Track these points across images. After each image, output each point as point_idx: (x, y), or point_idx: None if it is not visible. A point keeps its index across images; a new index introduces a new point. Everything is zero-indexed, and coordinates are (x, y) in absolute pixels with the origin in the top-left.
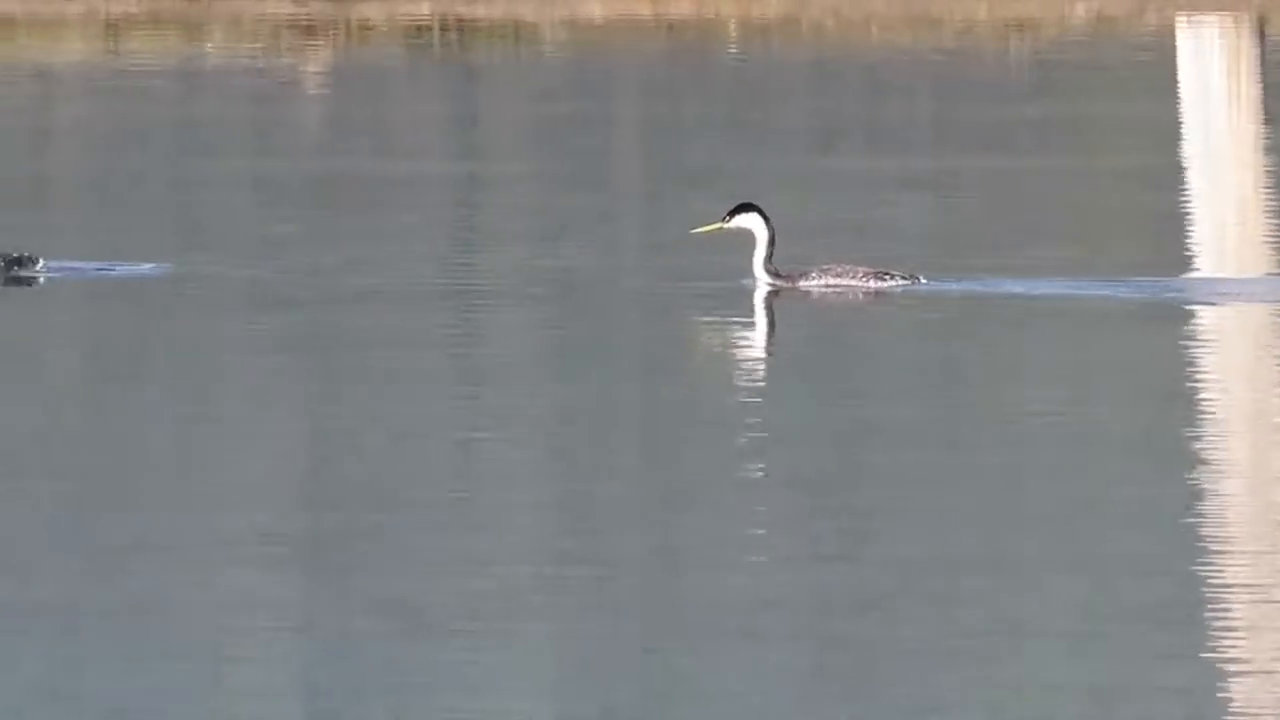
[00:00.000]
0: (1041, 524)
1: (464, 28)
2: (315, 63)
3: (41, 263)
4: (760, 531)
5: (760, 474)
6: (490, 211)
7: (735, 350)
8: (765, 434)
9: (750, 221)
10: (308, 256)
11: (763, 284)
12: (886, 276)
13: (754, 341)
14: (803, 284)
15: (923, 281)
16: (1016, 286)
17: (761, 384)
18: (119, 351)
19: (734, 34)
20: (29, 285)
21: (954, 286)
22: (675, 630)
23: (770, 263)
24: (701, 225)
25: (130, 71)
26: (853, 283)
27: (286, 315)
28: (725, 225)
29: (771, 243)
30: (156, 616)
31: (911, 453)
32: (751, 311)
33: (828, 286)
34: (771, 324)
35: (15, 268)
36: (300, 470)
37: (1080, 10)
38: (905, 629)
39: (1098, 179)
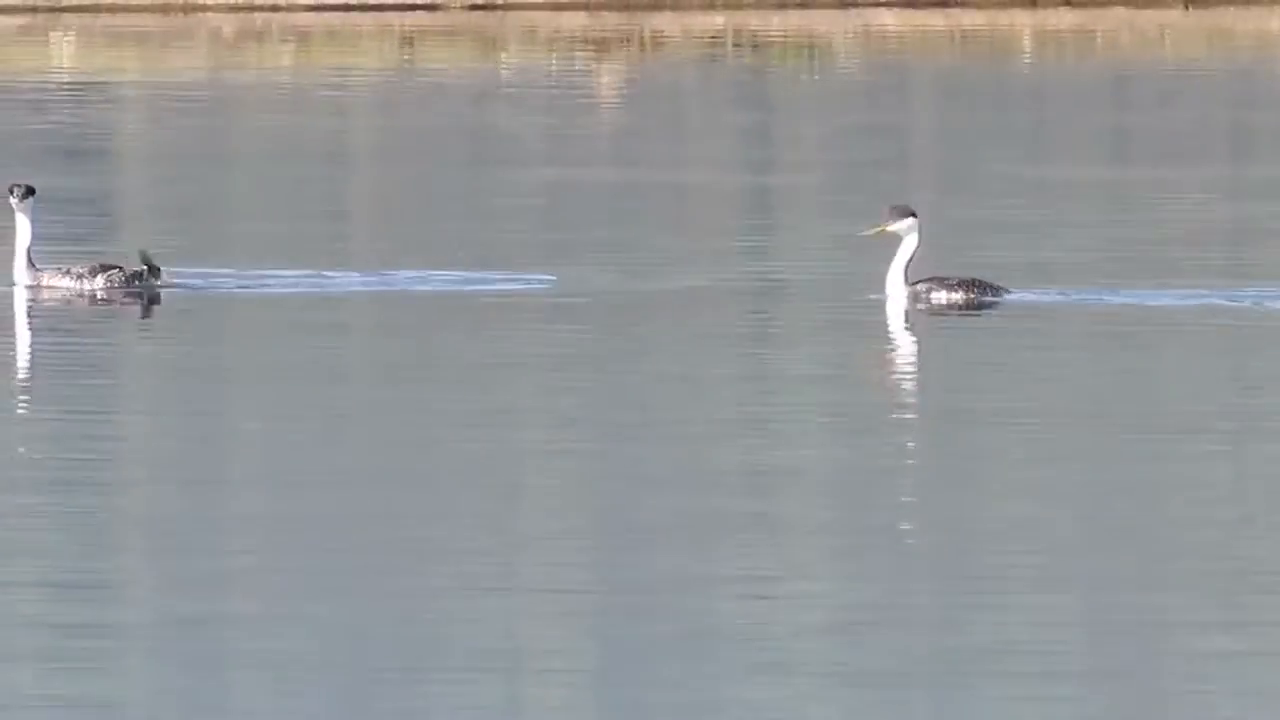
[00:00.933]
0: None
1: (757, 39)
2: (609, 74)
3: (162, 274)
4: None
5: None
6: (783, 220)
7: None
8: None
9: (906, 227)
10: (616, 266)
11: (897, 297)
12: (992, 289)
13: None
14: (933, 295)
15: (1009, 292)
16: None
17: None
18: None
19: (1028, 45)
20: (157, 298)
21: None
22: (975, 657)
23: (906, 274)
24: (871, 228)
25: (426, 83)
26: (961, 295)
27: (623, 324)
28: (887, 229)
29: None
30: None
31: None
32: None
33: (947, 301)
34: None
35: (136, 281)
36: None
37: None
38: (1218, 659)
39: None
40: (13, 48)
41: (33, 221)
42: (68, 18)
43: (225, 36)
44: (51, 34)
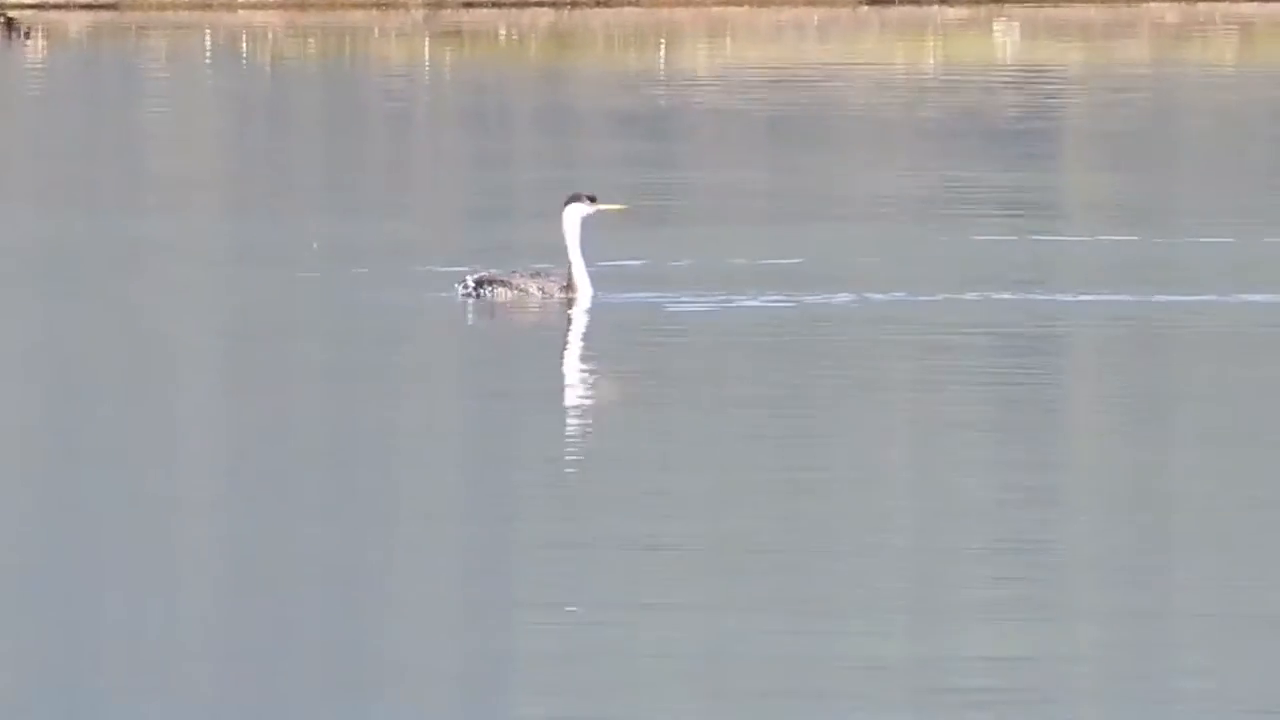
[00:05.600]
0: None
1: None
2: None
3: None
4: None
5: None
6: None
7: None
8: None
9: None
10: None
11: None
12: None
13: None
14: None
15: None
16: None
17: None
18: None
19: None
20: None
21: None
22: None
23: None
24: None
25: None
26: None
27: None
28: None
29: None
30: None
31: None
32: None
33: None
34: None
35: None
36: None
37: None
38: None
39: None
40: (955, 40)
41: None
42: (1010, 9)
43: (1167, 27)
44: (994, 24)
